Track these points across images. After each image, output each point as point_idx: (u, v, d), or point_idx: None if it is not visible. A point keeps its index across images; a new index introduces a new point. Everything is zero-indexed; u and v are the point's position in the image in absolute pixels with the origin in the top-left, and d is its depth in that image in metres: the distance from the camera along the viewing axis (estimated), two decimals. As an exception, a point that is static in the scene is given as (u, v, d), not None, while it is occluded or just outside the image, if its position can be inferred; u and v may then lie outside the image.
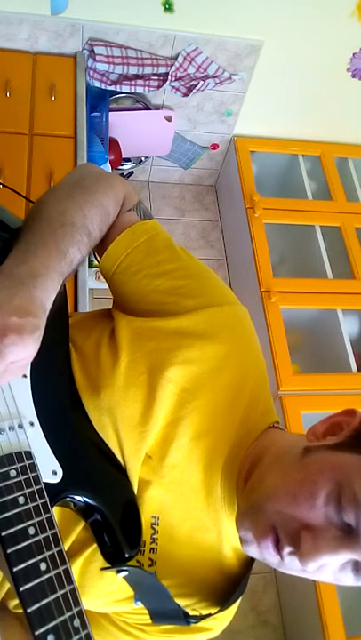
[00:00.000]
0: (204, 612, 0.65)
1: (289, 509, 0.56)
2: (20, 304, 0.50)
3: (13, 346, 0.48)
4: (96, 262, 0.74)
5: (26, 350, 0.49)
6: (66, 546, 0.62)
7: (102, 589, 0.64)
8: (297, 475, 0.58)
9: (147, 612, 0.65)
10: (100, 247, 0.72)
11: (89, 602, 0.65)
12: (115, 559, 0.59)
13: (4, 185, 1.50)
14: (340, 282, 2.18)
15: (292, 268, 2.38)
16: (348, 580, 0.56)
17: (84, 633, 0.45)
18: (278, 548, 0.56)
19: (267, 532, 0.56)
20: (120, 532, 0.59)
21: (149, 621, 0.66)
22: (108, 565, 0.59)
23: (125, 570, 0.59)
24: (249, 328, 0.72)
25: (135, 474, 0.63)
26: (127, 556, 0.59)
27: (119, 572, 0.59)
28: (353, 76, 2.25)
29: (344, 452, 0.58)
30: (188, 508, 0.65)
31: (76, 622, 0.45)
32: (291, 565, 0.56)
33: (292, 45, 2.09)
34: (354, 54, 2.16)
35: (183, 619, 0.63)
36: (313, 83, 2.26)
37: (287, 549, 0.55)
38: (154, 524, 0.64)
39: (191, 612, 0.64)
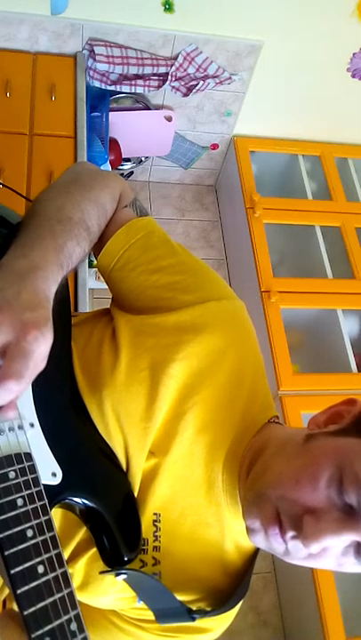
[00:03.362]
0: (208, 609, 0.65)
1: (292, 493, 0.57)
2: (27, 298, 0.50)
3: (36, 341, 0.48)
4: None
5: (46, 342, 0.50)
6: (70, 547, 0.63)
7: (106, 588, 0.64)
8: (300, 460, 0.59)
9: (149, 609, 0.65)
10: (97, 245, 0.72)
11: (94, 599, 0.66)
12: (114, 562, 0.59)
13: (4, 185, 1.50)
14: (340, 282, 2.18)
15: (292, 268, 2.38)
16: (351, 564, 0.57)
17: (80, 636, 0.45)
18: (282, 534, 0.56)
19: (273, 518, 0.57)
20: (119, 535, 0.59)
21: (150, 617, 0.66)
22: (108, 569, 0.59)
23: (124, 573, 0.59)
24: (247, 322, 0.72)
25: (139, 471, 0.63)
26: (126, 559, 0.59)
27: (118, 575, 0.59)
28: (353, 76, 2.24)
29: (345, 436, 0.59)
30: (189, 503, 0.65)
31: (73, 626, 0.45)
32: (295, 552, 0.57)
33: (292, 45, 2.09)
34: (354, 54, 2.15)
35: (187, 615, 0.64)
36: (313, 83, 2.26)
37: (290, 534, 0.56)
38: (155, 521, 0.64)
39: (195, 609, 0.65)
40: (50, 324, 0.51)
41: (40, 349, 0.49)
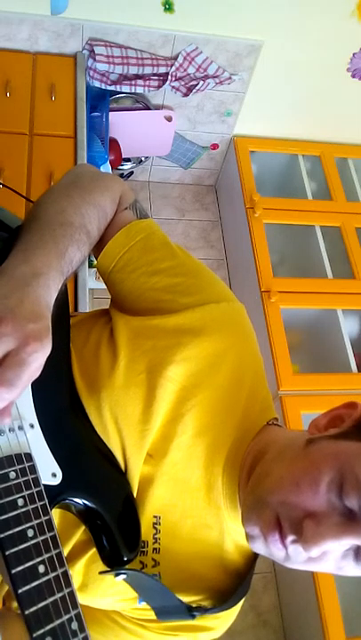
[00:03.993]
0: (208, 607, 0.65)
1: (293, 498, 0.56)
2: (30, 308, 0.51)
3: (35, 353, 0.49)
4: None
5: (45, 354, 0.51)
6: (68, 547, 0.63)
7: (106, 589, 0.64)
8: (300, 464, 0.58)
9: (150, 609, 0.65)
10: (97, 246, 0.72)
11: (94, 601, 0.66)
12: (113, 562, 0.59)
13: (4, 185, 1.51)
14: (340, 282, 2.18)
15: (292, 268, 2.38)
16: (350, 567, 0.56)
17: (81, 636, 0.45)
18: (283, 539, 0.56)
19: (273, 524, 0.57)
20: (119, 535, 0.59)
21: (152, 617, 0.66)
22: (107, 569, 0.59)
23: (123, 573, 0.59)
24: (246, 324, 0.72)
25: (137, 473, 0.63)
26: (125, 559, 0.59)
27: (117, 575, 0.59)
28: (353, 76, 2.25)
29: (346, 440, 0.59)
30: (189, 505, 0.65)
31: (74, 625, 0.45)
32: (295, 557, 0.57)
33: (292, 45, 2.09)
34: (354, 54, 2.15)
35: (187, 613, 0.64)
36: (313, 83, 2.26)
37: (290, 538, 0.55)
38: (156, 523, 0.64)
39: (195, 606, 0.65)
40: (50, 335, 0.51)
41: (38, 361, 0.50)
